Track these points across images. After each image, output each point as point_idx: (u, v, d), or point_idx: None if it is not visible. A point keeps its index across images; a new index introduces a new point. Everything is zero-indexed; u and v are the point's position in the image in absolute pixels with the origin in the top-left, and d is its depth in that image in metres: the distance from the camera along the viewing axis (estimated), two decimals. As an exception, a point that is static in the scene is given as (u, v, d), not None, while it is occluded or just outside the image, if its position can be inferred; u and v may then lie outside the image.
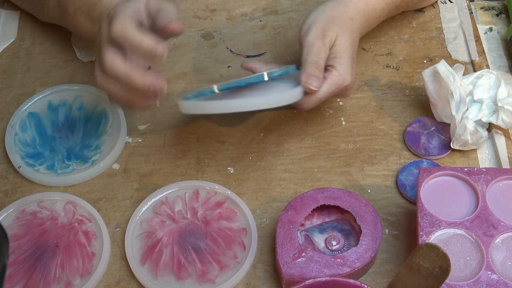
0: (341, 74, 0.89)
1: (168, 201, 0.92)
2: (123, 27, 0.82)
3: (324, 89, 0.89)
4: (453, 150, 0.95)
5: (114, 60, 0.83)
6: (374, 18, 0.99)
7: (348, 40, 0.91)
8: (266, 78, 0.87)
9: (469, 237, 0.81)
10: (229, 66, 1.06)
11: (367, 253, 0.83)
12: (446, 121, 0.96)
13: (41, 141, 0.97)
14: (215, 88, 0.87)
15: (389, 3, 0.99)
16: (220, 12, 1.12)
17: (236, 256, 0.87)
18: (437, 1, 1.11)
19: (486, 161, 0.95)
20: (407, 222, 0.90)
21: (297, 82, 0.90)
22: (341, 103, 1.01)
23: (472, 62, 1.04)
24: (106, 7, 0.93)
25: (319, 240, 0.87)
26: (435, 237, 0.82)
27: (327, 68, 0.90)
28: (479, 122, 0.94)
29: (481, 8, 1.12)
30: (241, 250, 0.88)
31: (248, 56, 1.07)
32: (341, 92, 0.92)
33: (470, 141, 0.93)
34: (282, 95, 0.87)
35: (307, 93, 0.89)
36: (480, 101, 0.94)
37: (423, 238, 0.81)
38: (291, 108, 1.00)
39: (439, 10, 1.10)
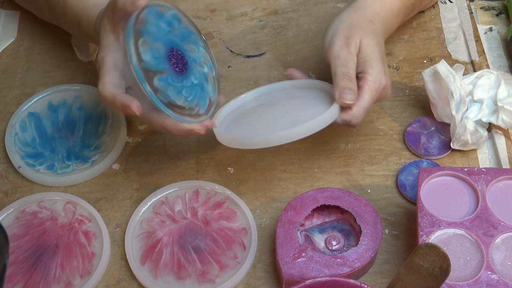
0: (375, 77, 0.86)
1: (168, 201, 0.92)
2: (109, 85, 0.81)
3: (366, 98, 0.86)
4: (453, 150, 0.95)
5: (130, 105, 0.81)
6: (393, 18, 0.96)
7: (373, 41, 0.89)
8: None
9: (469, 237, 0.81)
10: (229, 66, 1.06)
11: (367, 253, 0.83)
12: (446, 121, 0.96)
13: (41, 141, 0.97)
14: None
15: (405, 1, 0.97)
16: (220, 12, 1.12)
17: (236, 256, 0.87)
18: (437, 1, 1.11)
19: (486, 161, 0.95)
20: (407, 222, 0.90)
21: (324, 93, 0.89)
22: (341, 103, 1.01)
23: (472, 62, 1.04)
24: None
25: (319, 240, 0.87)
26: (435, 237, 0.82)
27: (359, 75, 0.87)
28: (479, 122, 0.94)
29: (481, 8, 1.12)
30: (241, 250, 0.88)
31: (248, 56, 1.07)
32: (381, 95, 0.89)
33: (470, 141, 0.93)
34: (319, 119, 0.84)
35: (344, 108, 0.86)
36: (480, 101, 0.94)
37: (423, 238, 0.81)
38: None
39: (439, 10, 1.10)
